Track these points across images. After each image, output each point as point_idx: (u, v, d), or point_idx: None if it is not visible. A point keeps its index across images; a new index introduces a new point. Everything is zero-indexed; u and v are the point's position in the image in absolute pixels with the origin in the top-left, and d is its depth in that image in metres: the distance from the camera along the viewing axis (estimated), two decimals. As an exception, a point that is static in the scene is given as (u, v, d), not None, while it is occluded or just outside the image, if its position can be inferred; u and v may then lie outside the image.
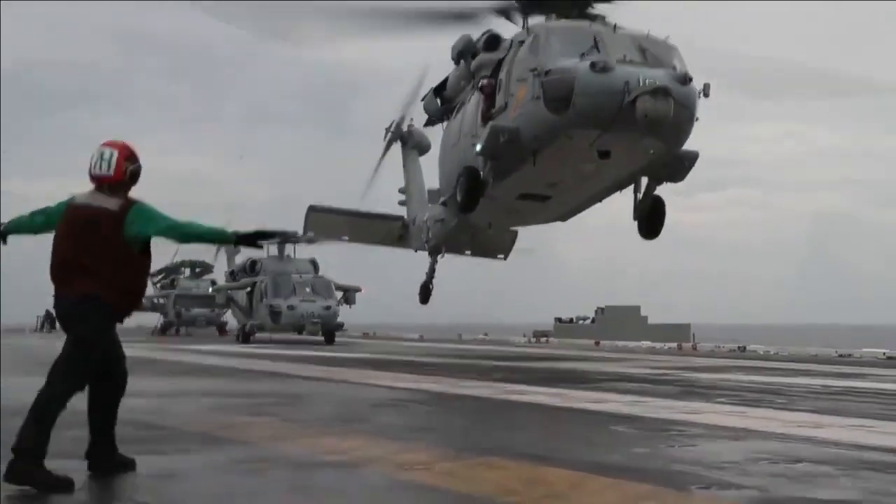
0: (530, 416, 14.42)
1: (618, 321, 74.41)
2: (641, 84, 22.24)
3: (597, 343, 48.31)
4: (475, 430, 13.02)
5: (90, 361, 8.45)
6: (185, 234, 8.69)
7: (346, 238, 39.31)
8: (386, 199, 39.69)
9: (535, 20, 26.75)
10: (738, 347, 41.32)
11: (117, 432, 8.88)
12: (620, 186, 26.51)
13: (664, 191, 26.14)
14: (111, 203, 8.55)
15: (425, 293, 36.44)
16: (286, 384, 20.91)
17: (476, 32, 28.41)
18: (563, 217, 29.90)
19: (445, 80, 31.01)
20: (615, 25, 24.54)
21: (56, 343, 8.82)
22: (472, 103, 27.74)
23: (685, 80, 23.06)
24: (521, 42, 25.28)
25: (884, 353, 35.52)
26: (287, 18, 28.12)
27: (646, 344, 46.37)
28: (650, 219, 26.25)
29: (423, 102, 32.71)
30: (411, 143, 39.08)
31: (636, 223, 26.38)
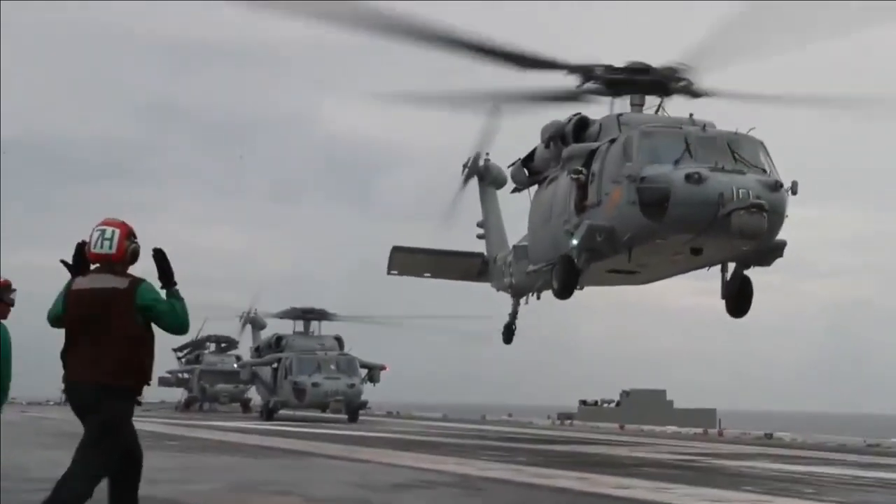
0: (556, 500, 14.29)
1: (643, 405, 73.72)
2: (736, 197, 23.00)
3: (621, 427, 47.79)
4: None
5: (117, 447, 8.41)
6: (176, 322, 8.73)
7: (429, 275, 39.89)
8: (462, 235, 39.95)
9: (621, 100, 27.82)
10: (765, 434, 40.81)
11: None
12: (708, 266, 27.30)
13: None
14: (118, 282, 8.55)
15: (508, 333, 36.60)
16: (309, 463, 20.82)
17: (561, 112, 29.17)
18: (646, 283, 30.80)
19: (532, 153, 31.44)
20: (704, 125, 25.29)
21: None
22: (563, 186, 28.29)
23: (777, 186, 23.81)
24: (613, 140, 25.97)
25: (913, 444, 35.01)
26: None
27: (671, 429, 45.88)
28: (738, 299, 26.95)
29: (510, 171, 33.16)
30: (488, 179, 39.44)
31: (724, 302, 27.07)
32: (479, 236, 39.19)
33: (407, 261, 39.36)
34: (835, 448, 33.32)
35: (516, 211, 34.60)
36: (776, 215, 23.67)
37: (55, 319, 8.78)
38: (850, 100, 27.03)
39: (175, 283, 8.75)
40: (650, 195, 24.03)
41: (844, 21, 24.93)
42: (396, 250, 39.01)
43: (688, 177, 23.44)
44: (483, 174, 39.55)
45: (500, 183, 38.93)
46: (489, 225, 38.91)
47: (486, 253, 38.43)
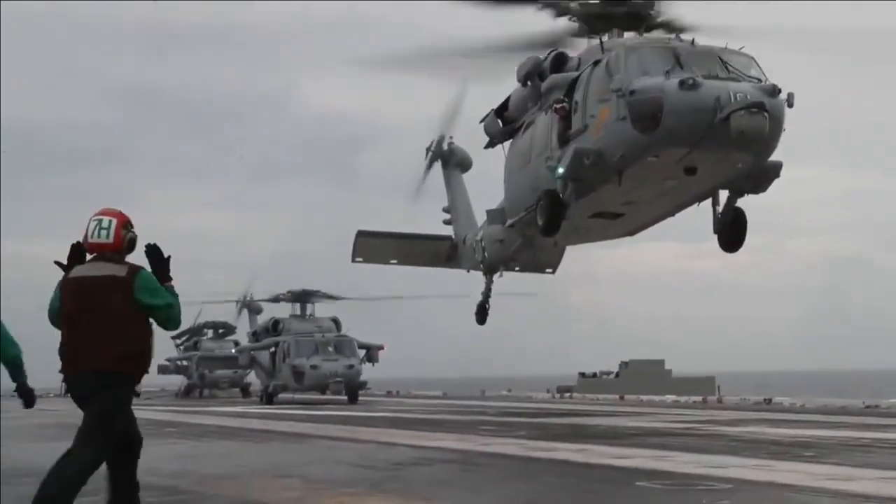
0: (557, 472, 14.31)
1: (642, 375, 74.01)
2: (733, 100, 21.93)
3: (621, 398, 47.91)
4: (503, 489, 12.91)
5: (113, 436, 8.41)
6: (171, 318, 8.71)
7: (395, 261, 38.62)
8: (429, 219, 39.10)
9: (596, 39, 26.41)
10: (764, 400, 40.93)
11: (141, 497, 8.83)
12: (699, 200, 26.11)
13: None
14: (117, 269, 8.54)
15: (482, 314, 35.64)
16: (310, 445, 20.83)
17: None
18: (632, 233, 29.49)
19: (506, 101, 30.36)
20: (693, 40, 24.08)
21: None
22: (543, 124, 27.21)
23: (775, 91, 22.56)
24: (597, 62, 24.81)
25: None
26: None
27: (670, 398, 45.99)
28: (732, 231, 25.52)
29: (483, 124, 31.61)
30: (453, 162, 38.66)
31: (717, 237, 25.68)
32: (446, 221, 38.19)
33: (372, 246, 37.79)
34: (834, 411, 33.43)
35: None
36: (776, 121, 22.35)
37: (56, 315, 8.74)
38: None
39: (170, 279, 8.74)
40: (642, 107, 22.78)
41: None
42: (361, 235, 37.53)
43: (682, 83, 22.21)
44: (447, 157, 38.63)
45: (465, 166, 38.20)
46: (456, 208, 37.76)
47: (454, 236, 37.40)
